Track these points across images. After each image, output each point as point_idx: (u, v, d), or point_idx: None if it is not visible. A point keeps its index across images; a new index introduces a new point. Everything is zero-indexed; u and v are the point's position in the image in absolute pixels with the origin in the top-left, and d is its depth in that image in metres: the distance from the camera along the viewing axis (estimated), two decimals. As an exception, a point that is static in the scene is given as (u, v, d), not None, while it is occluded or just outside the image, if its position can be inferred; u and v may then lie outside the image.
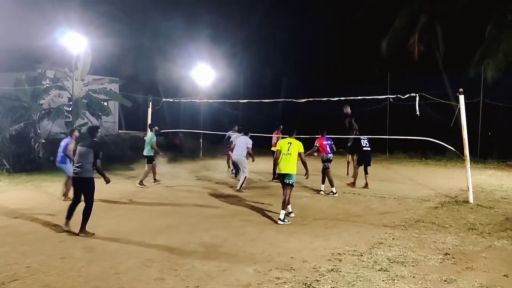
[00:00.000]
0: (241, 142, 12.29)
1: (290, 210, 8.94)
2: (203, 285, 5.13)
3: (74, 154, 9.49)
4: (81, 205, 7.40)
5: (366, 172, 12.75)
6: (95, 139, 7.68)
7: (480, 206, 10.14)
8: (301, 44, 31.37)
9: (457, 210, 9.75)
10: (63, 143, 10.05)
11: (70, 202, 7.60)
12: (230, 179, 14.24)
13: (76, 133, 10.18)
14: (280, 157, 8.68)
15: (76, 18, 19.35)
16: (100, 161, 7.38)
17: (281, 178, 8.73)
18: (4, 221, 8.20)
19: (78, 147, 7.55)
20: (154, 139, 12.98)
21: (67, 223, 7.42)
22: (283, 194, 8.58)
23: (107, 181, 7.58)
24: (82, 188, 7.37)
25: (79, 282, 5.20)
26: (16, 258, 6.04)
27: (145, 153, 13.02)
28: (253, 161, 12.70)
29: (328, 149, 11.78)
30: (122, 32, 26.63)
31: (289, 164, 8.58)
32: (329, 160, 11.78)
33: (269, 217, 8.84)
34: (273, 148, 13.70)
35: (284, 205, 8.48)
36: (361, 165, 12.75)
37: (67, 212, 7.46)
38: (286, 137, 9.09)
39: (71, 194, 9.52)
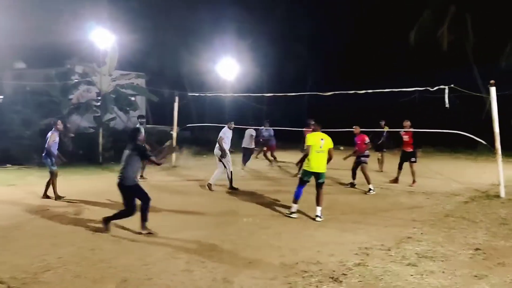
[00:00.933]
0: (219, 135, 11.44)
1: (294, 210, 8.34)
2: (230, 277, 5.16)
3: (56, 146, 9.42)
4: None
5: (400, 168, 12.50)
6: (138, 142, 7.03)
7: (512, 200, 9.88)
8: (326, 37, 31.02)
9: (488, 204, 9.54)
10: (48, 136, 9.45)
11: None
12: (252, 174, 14.24)
13: (59, 125, 9.57)
14: (312, 154, 8.17)
15: (103, 14, 19.65)
16: (147, 160, 7.09)
17: (310, 176, 8.26)
18: (35, 213, 8.41)
19: (124, 151, 7.02)
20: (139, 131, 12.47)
21: (143, 226, 6.97)
22: (297, 189, 8.36)
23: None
24: (127, 194, 6.92)
25: (109, 273, 5.30)
26: (48, 249, 6.18)
27: None
28: (224, 156, 11.07)
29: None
30: (147, 28, 26.90)
31: (323, 162, 8.18)
32: (368, 156, 11.64)
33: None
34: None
35: (319, 201, 8.17)
36: (415, 162, 12.36)
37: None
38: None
39: (50, 192, 9.70)
